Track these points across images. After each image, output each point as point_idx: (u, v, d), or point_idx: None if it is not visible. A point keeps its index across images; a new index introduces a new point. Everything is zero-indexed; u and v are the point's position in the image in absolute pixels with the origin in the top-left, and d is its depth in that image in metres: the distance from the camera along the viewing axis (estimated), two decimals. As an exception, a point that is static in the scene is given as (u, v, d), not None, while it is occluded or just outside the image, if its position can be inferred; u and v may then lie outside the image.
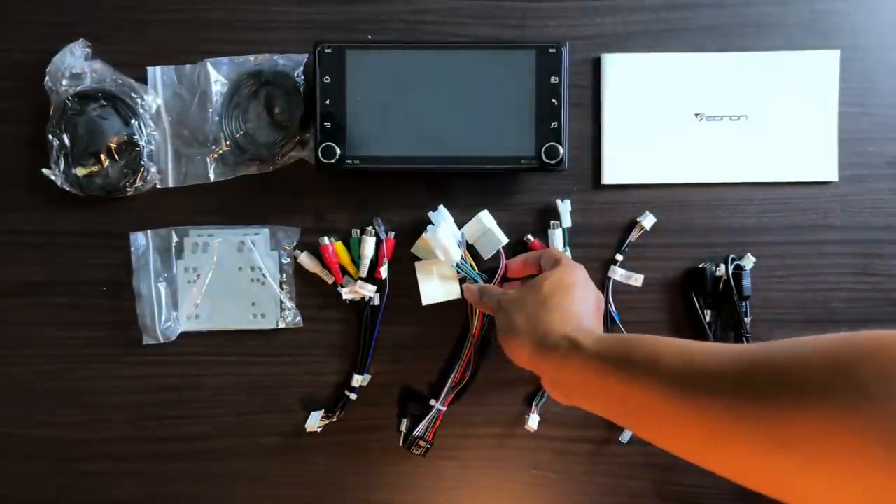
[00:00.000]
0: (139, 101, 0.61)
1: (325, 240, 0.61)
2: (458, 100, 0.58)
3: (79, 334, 0.63)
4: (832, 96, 0.62)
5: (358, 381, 0.62)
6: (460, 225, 0.61)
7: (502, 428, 0.63)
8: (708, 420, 0.35)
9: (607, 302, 0.62)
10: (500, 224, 0.60)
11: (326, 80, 0.58)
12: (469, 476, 0.63)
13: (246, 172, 0.62)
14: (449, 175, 0.62)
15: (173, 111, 0.62)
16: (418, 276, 0.61)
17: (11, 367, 0.63)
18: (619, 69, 0.62)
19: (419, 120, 0.58)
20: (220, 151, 0.62)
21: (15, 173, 0.62)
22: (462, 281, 0.60)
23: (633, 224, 0.62)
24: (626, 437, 0.62)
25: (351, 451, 0.63)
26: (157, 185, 0.62)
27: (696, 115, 0.62)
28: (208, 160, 0.62)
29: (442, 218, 0.59)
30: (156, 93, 0.62)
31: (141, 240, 0.62)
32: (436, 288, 0.61)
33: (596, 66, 0.62)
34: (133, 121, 0.61)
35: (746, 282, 0.60)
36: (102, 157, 0.61)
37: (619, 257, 0.62)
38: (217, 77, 0.61)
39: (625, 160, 0.62)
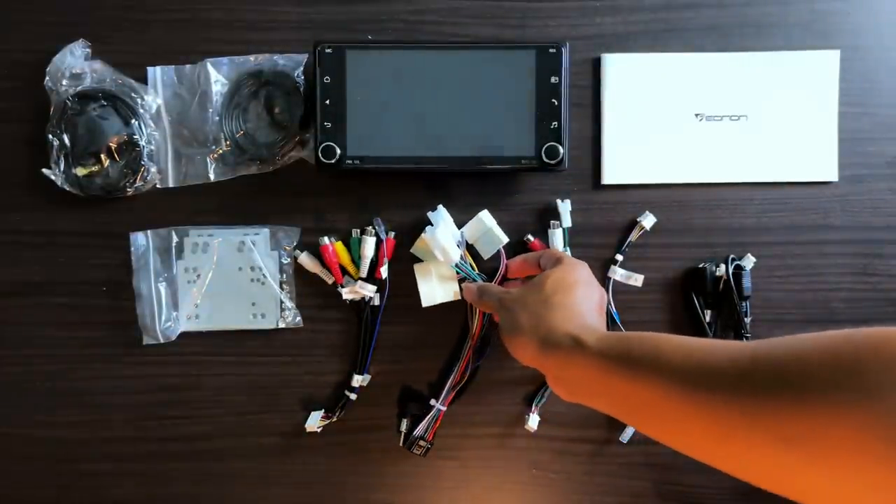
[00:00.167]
0: (139, 101, 0.61)
1: (325, 240, 0.61)
2: (458, 100, 0.58)
3: (79, 334, 0.63)
4: (832, 96, 0.62)
5: (358, 381, 0.62)
6: (460, 225, 0.61)
7: (502, 428, 0.63)
8: (709, 416, 0.35)
9: (607, 302, 0.62)
10: (499, 224, 0.60)
11: (326, 80, 0.58)
12: (469, 476, 0.63)
13: (246, 172, 0.62)
14: (449, 175, 0.62)
15: (173, 111, 0.62)
16: (417, 277, 0.61)
17: (11, 367, 0.63)
18: (619, 69, 0.62)
19: (419, 120, 0.58)
20: (220, 151, 0.62)
21: (15, 173, 0.62)
22: (461, 281, 0.60)
23: (633, 224, 0.62)
24: (626, 437, 0.62)
25: (351, 451, 0.63)
26: (157, 185, 0.62)
27: (696, 115, 0.62)
28: (208, 160, 0.62)
29: (441, 218, 0.59)
30: (156, 93, 0.62)
31: (141, 240, 0.62)
32: (435, 289, 0.61)
33: (596, 66, 0.62)
34: (133, 121, 0.61)
35: (746, 282, 0.60)
36: (102, 157, 0.61)
37: (619, 257, 0.62)
38: (217, 77, 0.61)
39: (625, 160, 0.62)
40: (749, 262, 0.61)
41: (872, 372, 0.29)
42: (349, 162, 0.58)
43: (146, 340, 0.62)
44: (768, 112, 0.62)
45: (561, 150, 0.57)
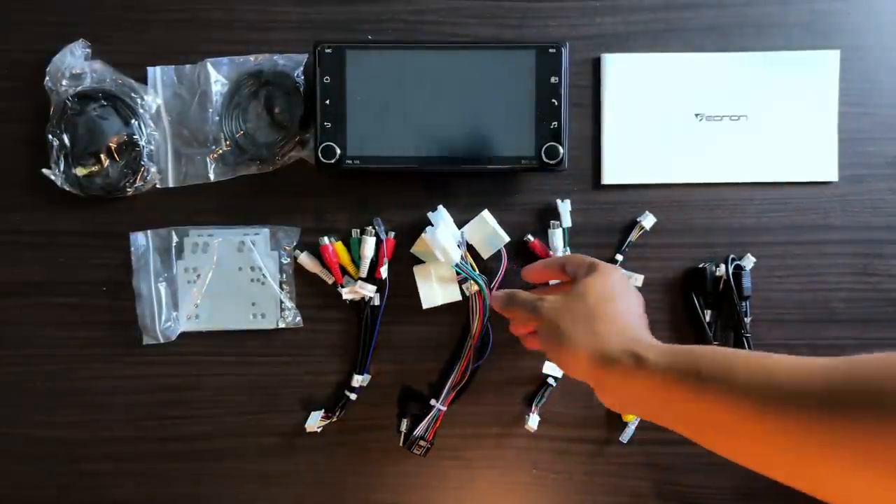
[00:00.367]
0: (139, 101, 0.61)
1: (325, 240, 0.61)
2: (458, 100, 0.58)
3: (79, 334, 0.63)
4: (832, 96, 0.62)
5: (358, 381, 0.62)
6: (460, 225, 0.61)
7: (502, 428, 0.63)
8: (792, 436, 0.34)
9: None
10: (500, 224, 0.60)
11: (326, 80, 0.58)
12: (469, 476, 0.63)
13: (246, 172, 0.62)
14: (449, 175, 0.62)
15: (173, 111, 0.62)
16: (417, 280, 0.61)
17: (11, 367, 0.63)
18: (619, 69, 0.62)
19: (419, 120, 0.58)
20: (220, 151, 0.62)
21: (15, 173, 0.62)
22: (462, 282, 0.60)
23: (633, 224, 0.62)
24: (626, 437, 0.62)
25: (351, 451, 0.63)
26: (157, 185, 0.62)
27: (696, 115, 0.62)
28: (208, 160, 0.62)
29: (441, 218, 0.59)
30: (156, 93, 0.62)
31: (141, 240, 0.62)
32: (436, 291, 0.61)
33: (596, 66, 0.62)
34: (133, 121, 0.61)
35: (746, 282, 0.60)
36: (102, 157, 0.61)
37: (619, 257, 0.62)
38: (217, 77, 0.61)
39: (625, 160, 0.62)
40: (749, 262, 0.61)
41: None
42: (349, 162, 0.58)
43: (146, 340, 0.62)
44: (768, 112, 0.62)
45: (561, 150, 0.57)
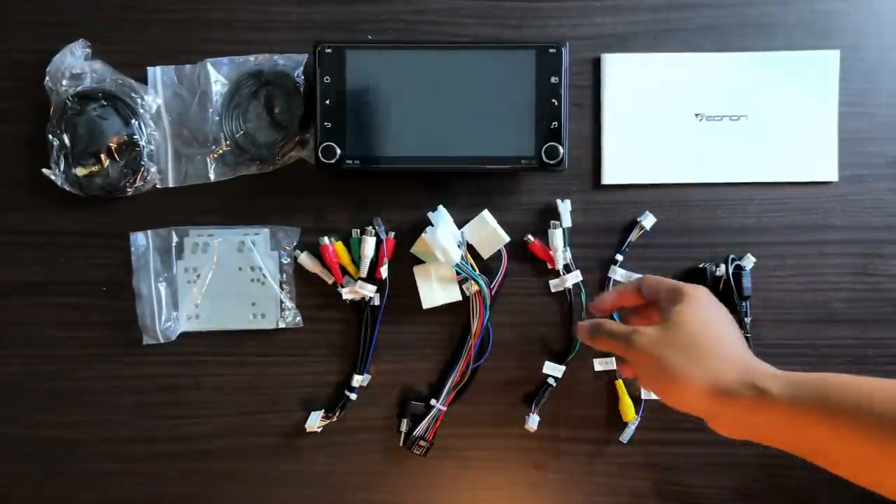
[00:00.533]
0: (139, 101, 0.61)
1: (325, 240, 0.61)
2: (458, 100, 0.58)
3: (79, 334, 0.63)
4: (832, 96, 0.62)
5: (358, 381, 0.62)
6: (460, 225, 0.61)
7: (502, 428, 0.63)
8: None
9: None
10: (500, 224, 0.60)
11: (326, 80, 0.58)
12: (469, 476, 0.63)
13: (246, 172, 0.62)
14: (449, 175, 0.62)
15: (173, 111, 0.62)
16: (417, 280, 0.61)
17: (11, 367, 0.63)
18: (619, 69, 0.62)
19: (419, 120, 0.58)
20: (220, 151, 0.62)
21: (15, 173, 0.62)
22: (462, 282, 0.60)
23: (633, 224, 0.62)
24: (626, 437, 0.62)
25: (351, 451, 0.63)
26: (157, 185, 0.62)
27: (696, 115, 0.62)
28: (208, 160, 0.62)
29: (441, 218, 0.59)
30: (156, 93, 0.62)
31: (141, 240, 0.62)
32: (436, 291, 0.61)
33: (596, 66, 0.62)
34: (133, 121, 0.61)
35: (746, 282, 0.60)
36: (102, 157, 0.61)
37: (619, 257, 0.62)
38: (217, 77, 0.61)
39: (625, 160, 0.62)
40: (749, 262, 0.61)
41: None
42: (349, 162, 0.58)
43: (146, 340, 0.62)
44: (768, 112, 0.62)
45: (561, 150, 0.57)
